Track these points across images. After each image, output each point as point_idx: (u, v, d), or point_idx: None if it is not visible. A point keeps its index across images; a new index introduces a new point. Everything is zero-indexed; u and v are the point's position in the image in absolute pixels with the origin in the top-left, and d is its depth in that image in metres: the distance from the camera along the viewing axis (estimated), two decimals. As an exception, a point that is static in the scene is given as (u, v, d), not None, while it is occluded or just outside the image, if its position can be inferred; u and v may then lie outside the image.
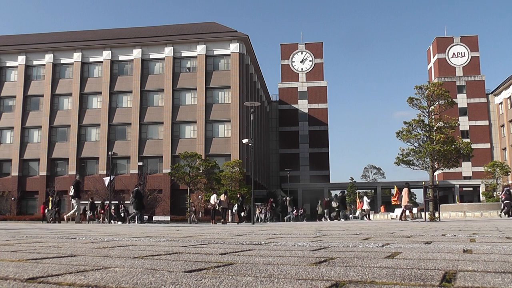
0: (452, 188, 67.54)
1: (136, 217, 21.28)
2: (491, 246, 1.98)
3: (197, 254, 1.69)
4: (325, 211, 30.99)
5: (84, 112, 56.79)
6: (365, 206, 29.33)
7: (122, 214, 35.35)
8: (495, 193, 51.34)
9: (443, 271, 1.16)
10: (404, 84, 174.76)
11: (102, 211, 35.47)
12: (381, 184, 75.04)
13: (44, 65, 58.35)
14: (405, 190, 21.74)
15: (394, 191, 30.27)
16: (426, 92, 31.13)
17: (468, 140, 53.98)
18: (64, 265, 1.32)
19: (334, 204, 28.66)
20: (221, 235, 3.09)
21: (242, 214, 29.30)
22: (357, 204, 48.62)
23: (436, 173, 46.45)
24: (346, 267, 1.23)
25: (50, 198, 34.35)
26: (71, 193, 19.65)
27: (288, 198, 30.83)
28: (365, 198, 30.51)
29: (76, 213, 19.83)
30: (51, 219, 29.70)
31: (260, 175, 65.51)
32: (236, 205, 29.79)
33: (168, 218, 42.81)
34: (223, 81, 54.51)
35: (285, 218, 32.67)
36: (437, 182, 44.59)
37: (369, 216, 28.79)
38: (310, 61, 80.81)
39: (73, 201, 19.66)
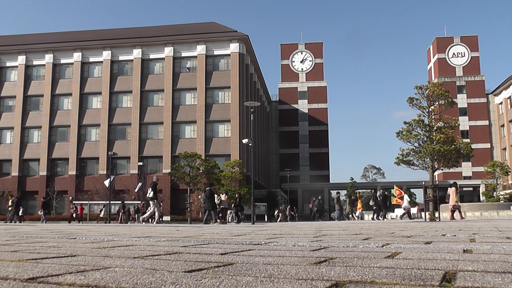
0: (385, 192, 67.44)
1: (205, 217, 20.79)
2: (491, 246, 1.98)
3: (197, 254, 1.69)
4: (353, 209, 29.87)
5: (84, 112, 56.78)
6: (405, 204, 27.56)
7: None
8: (495, 193, 51.35)
9: (443, 271, 1.16)
10: (404, 84, 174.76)
11: (123, 211, 35.63)
12: (381, 184, 74.97)
13: (44, 65, 58.35)
14: (452, 190, 21.42)
15: (394, 191, 30.21)
16: (426, 92, 31.13)
17: (468, 140, 54.00)
18: (64, 265, 1.32)
19: (371, 203, 26.81)
20: (221, 235, 3.09)
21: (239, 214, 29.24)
22: (358, 204, 48.50)
23: (436, 173, 46.47)
24: (346, 267, 1.23)
25: (10, 198, 34.39)
26: (150, 195, 19.44)
27: (337, 195, 29.41)
28: (405, 196, 28.32)
29: (157, 214, 19.49)
30: (10, 220, 29.57)
31: (260, 175, 65.51)
32: (233, 205, 29.72)
33: (168, 218, 42.82)
34: (223, 81, 54.50)
35: (332, 215, 30.53)
36: (437, 182, 44.58)
37: (410, 215, 27.12)
38: (310, 61, 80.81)
39: (152, 202, 19.52)
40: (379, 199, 26.00)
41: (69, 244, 2.23)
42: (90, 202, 46.00)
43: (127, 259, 1.48)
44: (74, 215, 33.62)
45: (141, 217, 19.86)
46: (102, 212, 36.74)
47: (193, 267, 1.25)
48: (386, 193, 27.71)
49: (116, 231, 4.04)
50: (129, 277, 1.07)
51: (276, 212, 43.93)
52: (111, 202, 37.12)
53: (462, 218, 20.26)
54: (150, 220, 20.00)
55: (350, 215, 29.66)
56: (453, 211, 20.85)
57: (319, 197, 31.56)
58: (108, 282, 1.01)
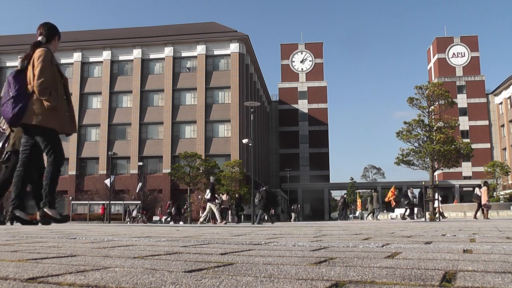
0: (452, 188, 67.53)
1: (258, 217, 20.86)
2: (491, 246, 1.98)
3: (197, 254, 1.69)
4: (375, 209, 29.19)
5: (84, 112, 56.79)
6: (436, 203, 27.69)
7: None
8: (495, 193, 51.36)
9: (443, 271, 1.16)
10: (404, 84, 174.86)
11: (144, 212, 35.56)
12: (381, 184, 74.99)
13: (44, 65, 58.32)
14: (484, 189, 21.36)
15: (390, 191, 30.10)
16: (426, 92, 31.16)
17: (468, 140, 54.01)
18: (64, 265, 1.32)
19: (403, 201, 26.35)
20: (221, 235, 3.09)
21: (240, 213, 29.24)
22: (358, 204, 48.48)
23: (436, 173, 46.47)
24: (346, 267, 1.23)
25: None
26: (208, 196, 19.49)
27: (375, 193, 28.43)
28: (436, 195, 28.32)
29: (217, 215, 19.52)
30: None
31: (260, 175, 65.52)
32: (234, 205, 29.71)
33: (168, 218, 42.81)
34: (223, 81, 54.51)
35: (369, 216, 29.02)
36: (437, 182, 44.58)
37: (442, 215, 26.14)
38: (310, 61, 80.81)
39: (209, 204, 19.57)
40: (412, 196, 25.10)
41: (69, 244, 2.23)
42: (90, 202, 46.00)
43: (127, 259, 1.48)
44: None
45: (200, 218, 19.91)
46: (134, 212, 35.89)
47: (193, 267, 1.25)
48: (422, 191, 27.16)
49: (116, 231, 4.04)
50: (129, 277, 1.07)
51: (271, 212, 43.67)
52: (111, 202, 37.15)
53: (486, 218, 19.94)
54: (205, 221, 19.97)
55: (370, 215, 28.92)
56: (487, 210, 20.76)
57: (344, 196, 30.60)
58: (108, 282, 1.02)
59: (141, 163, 51.73)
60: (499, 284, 0.96)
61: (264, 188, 21.49)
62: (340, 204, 30.31)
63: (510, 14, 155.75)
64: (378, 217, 27.62)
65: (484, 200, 20.87)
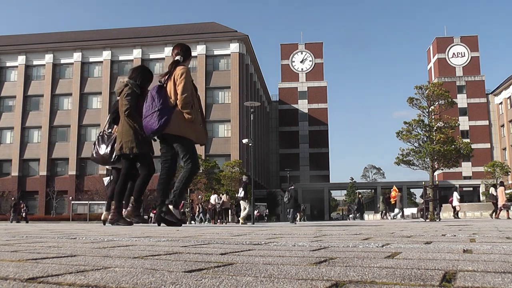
0: (452, 188, 67.50)
1: (291, 216, 21.04)
2: (491, 246, 1.98)
3: (197, 254, 1.69)
4: (387, 207, 28.82)
5: (84, 112, 56.79)
6: (455, 203, 26.57)
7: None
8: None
9: (443, 271, 1.16)
10: (404, 84, 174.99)
11: (155, 211, 35.39)
12: (381, 184, 75.02)
13: (44, 65, 58.34)
14: (501, 189, 21.20)
15: (394, 191, 30.02)
16: (426, 92, 31.14)
17: (468, 140, 53.99)
18: (64, 265, 1.32)
19: (421, 200, 26.09)
20: (221, 235, 3.09)
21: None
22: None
23: (436, 173, 46.45)
24: (346, 267, 1.23)
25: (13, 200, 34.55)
26: (241, 194, 19.62)
27: (399, 193, 27.83)
28: (455, 194, 27.13)
29: (244, 213, 19.66)
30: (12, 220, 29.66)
31: (260, 175, 65.51)
32: (234, 205, 29.68)
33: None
34: (223, 81, 54.50)
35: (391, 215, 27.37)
36: (437, 182, 44.58)
37: (457, 214, 26.28)
38: (310, 61, 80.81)
39: (243, 202, 19.70)
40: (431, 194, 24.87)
41: (69, 244, 2.23)
42: (90, 202, 45.98)
43: (127, 259, 1.48)
44: (24, 214, 32.14)
45: (240, 218, 20.00)
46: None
47: (193, 267, 1.25)
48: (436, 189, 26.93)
49: (116, 231, 4.05)
50: (129, 277, 1.07)
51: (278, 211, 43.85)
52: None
53: (509, 218, 19.67)
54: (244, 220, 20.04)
55: (384, 215, 28.58)
56: (501, 210, 20.59)
57: (360, 195, 30.02)
58: (108, 282, 1.02)
59: (141, 163, 51.63)
60: (499, 284, 0.96)
61: (293, 187, 21.62)
62: (355, 204, 29.80)
63: (510, 14, 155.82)
64: (396, 217, 27.26)
65: (502, 201, 20.68)
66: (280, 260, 1.45)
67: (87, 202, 45.98)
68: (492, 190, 22.13)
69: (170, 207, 5.41)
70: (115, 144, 6.24)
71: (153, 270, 1.19)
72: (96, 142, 6.71)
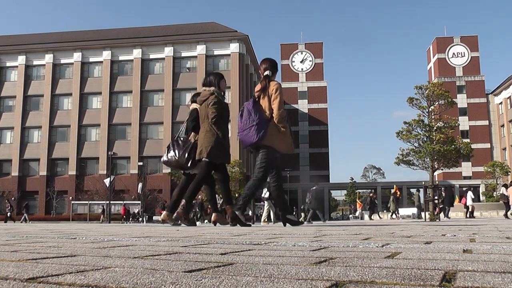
0: (452, 188, 67.45)
1: (309, 216, 20.96)
2: (491, 246, 1.98)
3: (197, 254, 1.69)
4: (397, 207, 28.42)
5: (84, 112, 56.79)
6: (469, 202, 26.34)
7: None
8: (495, 193, 51.35)
9: (443, 271, 1.16)
10: (404, 84, 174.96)
11: (162, 212, 35.52)
12: (381, 184, 75.04)
13: (44, 65, 58.34)
14: (511, 189, 21.11)
15: (394, 191, 30.00)
16: (426, 92, 31.18)
17: (468, 140, 54.00)
18: (64, 265, 1.32)
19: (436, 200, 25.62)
20: (221, 235, 3.09)
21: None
22: (357, 204, 48.41)
23: (436, 173, 46.47)
24: (346, 267, 1.23)
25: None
26: (266, 195, 19.72)
27: (417, 192, 27.16)
28: (469, 193, 26.91)
29: (265, 214, 19.78)
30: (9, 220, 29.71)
31: (260, 175, 65.41)
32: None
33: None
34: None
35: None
36: (437, 182, 44.57)
37: (472, 214, 26.07)
38: (310, 61, 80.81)
39: (267, 202, 19.84)
40: (443, 194, 24.26)
41: (69, 244, 2.23)
42: (90, 202, 46.01)
43: (127, 259, 1.48)
44: (9, 214, 31.16)
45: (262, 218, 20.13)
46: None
47: (193, 267, 1.25)
48: (448, 188, 26.22)
49: (116, 231, 4.05)
50: (129, 277, 1.07)
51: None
52: (111, 202, 37.15)
53: None
54: (267, 219, 20.09)
55: (394, 214, 28.31)
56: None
57: (371, 194, 29.60)
58: (108, 282, 1.02)
59: (141, 163, 51.72)
60: (499, 284, 0.96)
61: (314, 188, 21.55)
62: (367, 203, 29.39)
63: (510, 14, 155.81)
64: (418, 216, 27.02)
65: None
66: (280, 260, 1.45)
67: (87, 202, 46.03)
68: (503, 190, 22.03)
69: (238, 213, 5.67)
70: (196, 150, 6.50)
71: (153, 270, 1.19)
72: (171, 146, 6.88)
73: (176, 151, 6.76)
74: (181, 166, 6.77)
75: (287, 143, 5.90)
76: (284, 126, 5.72)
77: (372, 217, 27.40)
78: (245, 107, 5.77)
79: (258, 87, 5.94)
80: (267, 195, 19.60)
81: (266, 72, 5.92)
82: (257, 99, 5.78)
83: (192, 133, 6.82)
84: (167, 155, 6.86)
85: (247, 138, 5.67)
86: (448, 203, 24.56)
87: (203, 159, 6.17)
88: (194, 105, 6.88)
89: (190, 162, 6.57)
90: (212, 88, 6.43)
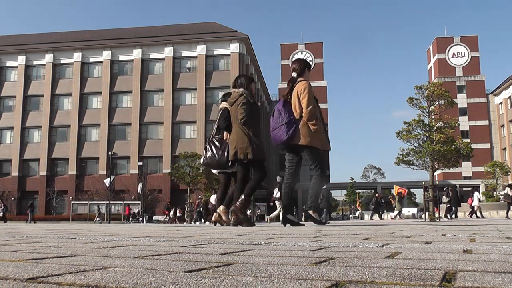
0: (456, 189, 67.43)
1: (324, 215, 21.09)
2: (491, 246, 1.98)
3: (197, 254, 1.69)
4: (401, 207, 28.22)
5: (84, 112, 56.78)
6: (475, 203, 26.08)
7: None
8: (495, 193, 51.33)
9: (443, 271, 1.16)
10: (404, 84, 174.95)
11: (167, 212, 35.68)
12: (381, 184, 75.05)
13: (44, 65, 58.34)
14: None
15: (394, 191, 29.99)
16: (426, 92, 31.17)
17: (468, 140, 54.00)
18: (64, 265, 1.32)
19: (445, 199, 24.80)
20: (221, 235, 3.09)
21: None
22: (357, 204, 48.42)
23: (436, 173, 46.45)
24: (346, 267, 1.23)
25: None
26: (277, 195, 19.86)
27: (449, 192, 26.62)
28: (476, 193, 26.73)
29: (275, 213, 19.91)
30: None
31: (260, 175, 65.39)
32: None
33: (167, 218, 42.82)
34: (223, 81, 54.46)
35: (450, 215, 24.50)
36: (437, 182, 44.55)
37: (482, 214, 25.83)
38: (310, 61, 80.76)
39: (278, 202, 19.99)
40: (450, 194, 24.24)
41: (69, 244, 2.23)
42: (90, 202, 46.00)
43: (127, 259, 1.48)
44: (1, 214, 31.26)
45: (269, 217, 20.26)
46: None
47: (193, 267, 1.25)
48: (457, 189, 26.22)
49: (116, 231, 4.04)
50: (129, 277, 1.07)
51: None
52: (111, 202, 37.14)
53: None
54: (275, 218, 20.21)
55: (398, 215, 28.18)
56: None
57: (377, 194, 29.29)
58: (108, 282, 1.02)
59: (141, 163, 51.72)
60: (499, 284, 0.96)
61: (324, 187, 21.63)
62: (372, 203, 29.29)
63: (510, 14, 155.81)
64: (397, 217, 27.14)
65: None
66: (280, 260, 1.44)
67: (87, 202, 46.01)
68: (507, 190, 22.02)
69: (310, 212, 5.88)
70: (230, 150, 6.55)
71: (153, 270, 1.19)
72: (208, 147, 6.96)
73: (215, 151, 6.82)
74: (222, 165, 6.83)
75: (321, 140, 5.98)
76: (315, 124, 5.81)
77: (373, 217, 27.40)
78: (276, 107, 5.99)
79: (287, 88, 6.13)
80: (278, 195, 19.67)
81: (293, 74, 6.12)
82: (287, 99, 5.95)
83: (225, 132, 6.89)
84: (206, 156, 6.91)
85: (277, 136, 5.87)
86: (455, 203, 24.36)
87: (240, 159, 6.20)
88: (224, 104, 7.02)
89: (230, 162, 6.63)
90: (241, 90, 6.54)
